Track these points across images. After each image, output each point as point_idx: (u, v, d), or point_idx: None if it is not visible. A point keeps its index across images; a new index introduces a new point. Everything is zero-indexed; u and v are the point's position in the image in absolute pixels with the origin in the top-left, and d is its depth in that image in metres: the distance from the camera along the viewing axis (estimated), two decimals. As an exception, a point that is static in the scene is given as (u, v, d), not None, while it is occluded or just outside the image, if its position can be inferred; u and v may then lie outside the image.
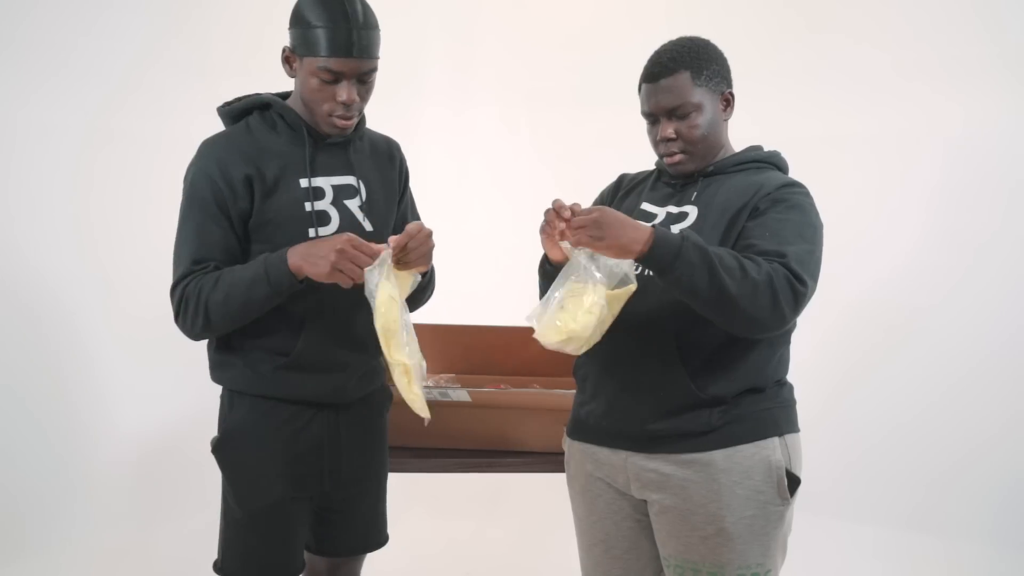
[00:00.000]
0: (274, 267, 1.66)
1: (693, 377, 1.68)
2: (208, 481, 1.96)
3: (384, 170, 1.93)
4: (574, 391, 2.18)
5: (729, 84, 1.78)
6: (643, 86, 1.77)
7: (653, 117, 1.77)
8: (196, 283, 1.69)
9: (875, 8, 3.37)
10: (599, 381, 1.80)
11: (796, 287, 1.58)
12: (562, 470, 2.24)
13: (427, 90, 3.62)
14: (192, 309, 1.69)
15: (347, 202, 1.82)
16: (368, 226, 1.84)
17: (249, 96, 1.83)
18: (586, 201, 1.86)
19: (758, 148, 1.85)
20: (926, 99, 3.21)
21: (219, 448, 1.83)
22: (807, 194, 1.74)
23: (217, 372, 1.85)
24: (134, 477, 3.26)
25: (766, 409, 1.72)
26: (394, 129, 3.51)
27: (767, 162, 1.82)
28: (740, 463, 1.68)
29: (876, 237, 3.30)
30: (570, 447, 1.91)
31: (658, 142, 1.77)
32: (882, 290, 3.33)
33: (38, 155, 3.25)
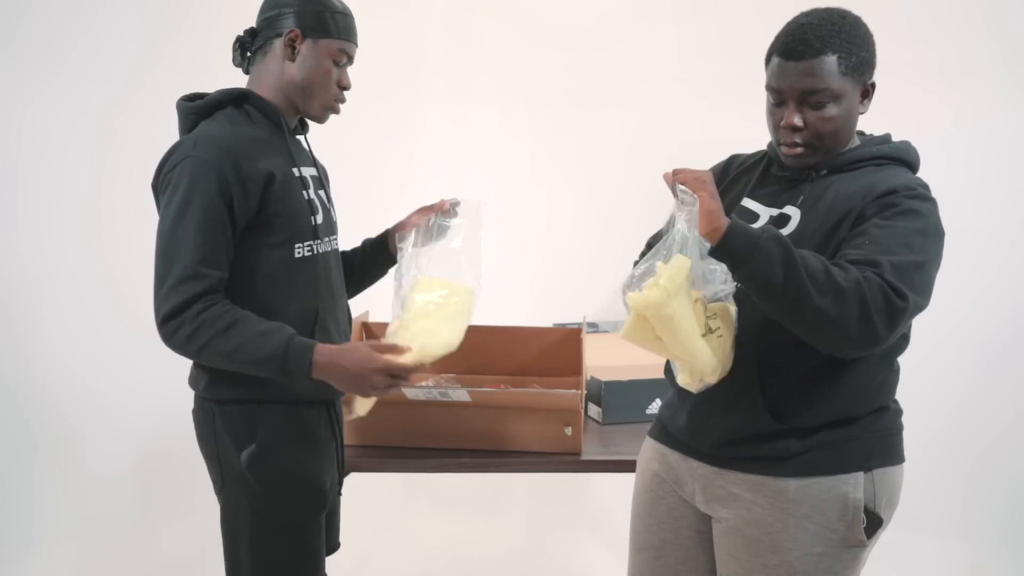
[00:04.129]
0: (295, 364, 1.60)
1: (771, 406, 1.55)
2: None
3: (319, 166, 1.96)
4: (574, 391, 2.19)
5: (873, 73, 1.56)
6: (776, 60, 1.54)
7: (781, 96, 1.55)
8: (203, 312, 1.57)
9: (872, 8, 3.38)
10: (681, 393, 1.71)
11: (892, 299, 1.38)
12: (561, 470, 2.25)
13: (427, 92, 3.63)
14: (189, 334, 1.58)
15: (319, 192, 1.84)
16: (334, 216, 1.91)
17: (221, 91, 1.75)
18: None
19: (884, 138, 1.64)
20: (917, 99, 3.22)
21: (257, 463, 1.70)
22: (926, 198, 1.51)
23: (228, 386, 1.71)
24: (135, 477, 3.27)
25: (854, 439, 1.55)
26: (395, 131, 3.54)
27: (891, 158, 1.60)
28: (814, 496, 1.54)
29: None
30: (646, 442, 1.85)
31: (780, 127, 1.56)
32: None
33: (44, 155, 3.26)
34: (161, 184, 1.66)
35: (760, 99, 1.61)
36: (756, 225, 1.60)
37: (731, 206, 1.69)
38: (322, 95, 1.76)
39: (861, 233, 1.47)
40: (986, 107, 3.26)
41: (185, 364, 1.78)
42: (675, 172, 1.46)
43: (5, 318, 3.21)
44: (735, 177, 1.75)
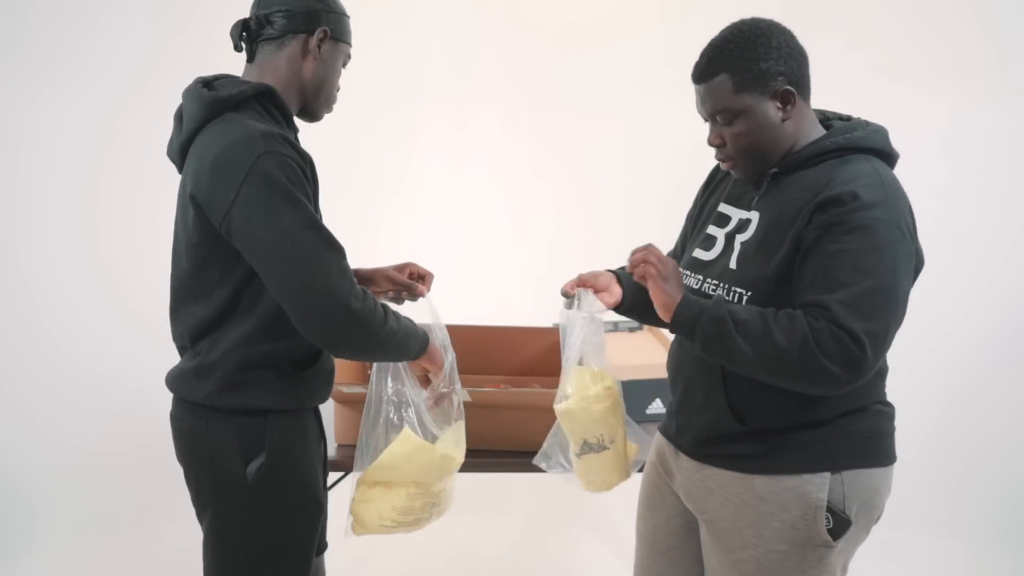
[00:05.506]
0: (425, 342, 1.75)
1: (733, 406, 1.59)
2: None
3: None
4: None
5: (790, 78, 1.51)
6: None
7: (701, 116, 1.61)
8: (374, 302, 1.59)
9: (863, 9, 3.40)
10: (671, 388, 1.80)
11: (846, 344, 1.37)
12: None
13: (427, 93, 3.63)
14: (380, 318, 1.59)
15: None
16: None
17: (252, 84, 1.65)
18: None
19: (848, 127, 1.57)
20: (912, 99, 3.24)
21: (265, 475, 1.63)
22: (873, 203, 1.42)
23: (240, 394, 1.63)
24: (135, 477, 3.28)
25: (822, 440, 1.55)
26: (395, 132, 3.55)
27: (854, 148, 1.53)
28: (779, 494, 1.55)
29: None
30: (656, 433, 1.91)
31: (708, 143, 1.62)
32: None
33: (44, 156, 3.27)
34: (227, 186, 1.52)
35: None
36: (727, 229, 1.65)
37: (711, 211, 1.74)
38: (330, 95, 1.76)
39: (816, 263, 1.44)
40: (982, 105, 3.27)
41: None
42: (633, 263, 1.58)
43: (4, 318, 3.22)
44: (718, 182, 1.80)
